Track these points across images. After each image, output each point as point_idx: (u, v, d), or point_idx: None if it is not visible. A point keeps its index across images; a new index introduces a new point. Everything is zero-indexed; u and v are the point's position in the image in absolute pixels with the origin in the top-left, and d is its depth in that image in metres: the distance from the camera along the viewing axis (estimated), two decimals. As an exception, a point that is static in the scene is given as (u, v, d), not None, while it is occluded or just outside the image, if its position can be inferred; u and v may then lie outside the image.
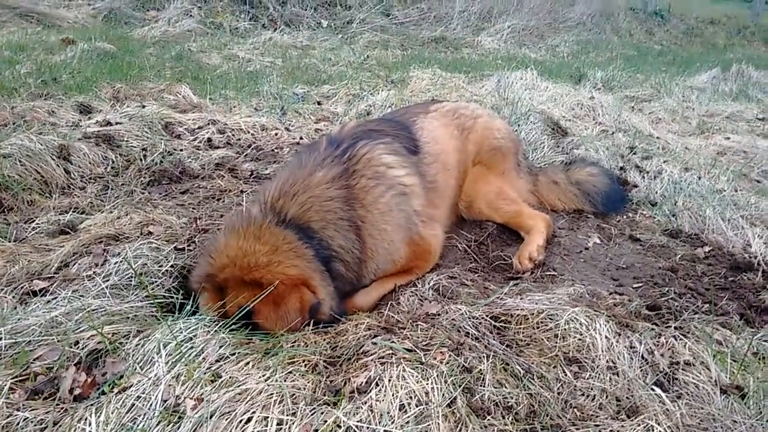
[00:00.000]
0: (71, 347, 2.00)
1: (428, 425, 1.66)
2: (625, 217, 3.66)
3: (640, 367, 2.11)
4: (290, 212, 2.36)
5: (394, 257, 2.72)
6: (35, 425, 1.69)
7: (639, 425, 1.83)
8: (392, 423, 1.65)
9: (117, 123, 4.23)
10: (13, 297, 2.32)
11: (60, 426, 1.69)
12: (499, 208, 3.31)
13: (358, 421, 1.64)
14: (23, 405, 1.76)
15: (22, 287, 2.37)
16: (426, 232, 2.87)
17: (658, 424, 1.82)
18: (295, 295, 2.19)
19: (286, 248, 2.26)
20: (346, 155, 2.65)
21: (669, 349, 2.22)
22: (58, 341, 2.02)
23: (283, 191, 2.43)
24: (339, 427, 1.64)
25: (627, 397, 1.97)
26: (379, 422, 1.64)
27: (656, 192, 3.93)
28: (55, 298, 2.27)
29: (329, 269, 2.38)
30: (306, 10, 11.16)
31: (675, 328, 2.34)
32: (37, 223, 2.98)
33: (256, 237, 2.26)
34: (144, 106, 4.64)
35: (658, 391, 1.99)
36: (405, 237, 2.75)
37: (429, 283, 2.66)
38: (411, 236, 2.78)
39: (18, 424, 1.69)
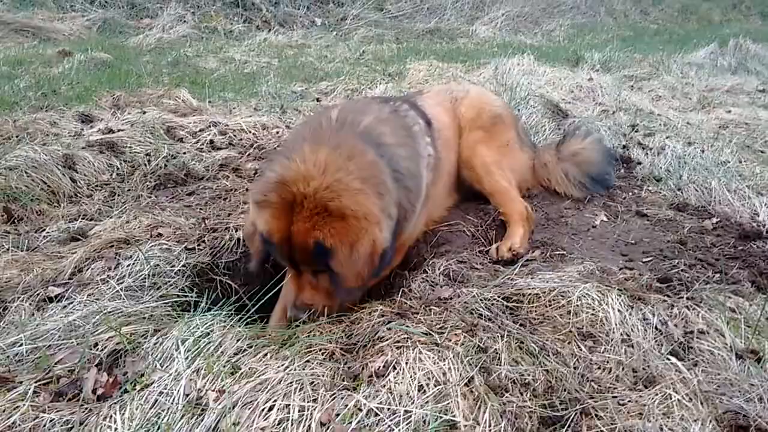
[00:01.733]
0: (91, 349, 2.03)
1: (448, 404, 1.68)
2: (630, 193, 3.66)
3: (655, 338, 2.12)
4: (363, 122, 2.29)
5: (418, 223, 2.69)
6: (62, 426, 1.71)
7: (657, 394, 1.85)
8: (412, 403, 1.67)
9: (119, 130, 4.25)
10: (30, 304, 2.34)
11: (86, 425, 1.71)
12: (492, 174, 3.26)
13: (378, 403, 1.66)
14: (48, 407, 1.78)
15: (38, 294, 2.39)
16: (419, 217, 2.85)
17: (676, 392, 1.83)
18: (369, 237, 2.07)
19: (375, 175, 2.13)
20: (389, 104, 2.72)
21: (682, 319, 2.23)
22: (77, 344, 2.05)
23: (349, 110, 2.37)
24: (360, 410, 1.66)
25: (643, 368, 1.99)
26: (399, 403, 1.66)
27: (661, 167, 3.94)
28: (72, 302, 2.30)
29: (398, 188, 2.28)
30: (299, 9, 11.17)
31: (687, 298, 2.35)
32: (48, 232, 3.01)
33: (344, 152, 2.09)
34: (144, 112, 4.66)
35: (673, 360, 2.00)
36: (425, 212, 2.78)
37: (439, 269, 2.67)
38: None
39: (45, 425, 1.71)
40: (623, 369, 1.99)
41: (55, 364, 1.98)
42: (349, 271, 2.08)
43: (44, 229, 3.04)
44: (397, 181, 2.29)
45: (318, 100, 5.83)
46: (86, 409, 1.78)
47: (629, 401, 1.84)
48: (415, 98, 3.39)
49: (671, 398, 1.82)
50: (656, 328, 2.17)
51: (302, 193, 2.01)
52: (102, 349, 2.04)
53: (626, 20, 14.79)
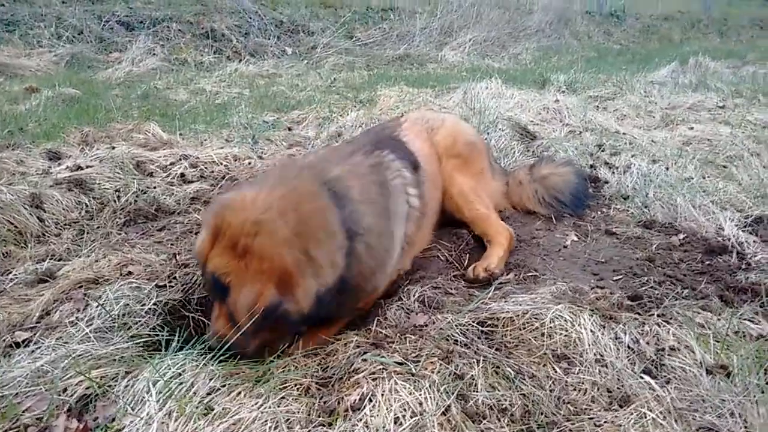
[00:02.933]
0: (60, 395, 1.98)
1: (425, 434, 1.67)
2: (599, 212, 3.73)
3: (628, 357, 2.15)
4: (333, 172, 2.24)
5: (391, 276, 2.63)
6: (29, 478, 1.66)
7: (632, 414, 1.87)
8: (389, 436, 1.65)
9: (88, 167, 4.20)
10: (-4, 350, 2.28)
11: (54, 475, 1.66)
12: (471, 202, 3.30)
13: (355, 439, 1.65)
14: (15, 458, 1.73)
15: (4, 340, 2.32)
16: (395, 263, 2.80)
17: (650, 411, 1.85)
18: (258, 289, 1.97)
19: (313, 232, 2.06)
20: (374, 155, 2.60)
21: (654, 336, 2.27)
22: (46, 390, 1.99)
23: (326, 158, 2.34)
24: (336, 446, 1.64)
25: (618, 388, 2.01)
26: (376, 437, 1.65)
27: (627, 186, 4.02)
28: (39, 347, 2.23)
29: (351, 249, 2.21)
30: (269, 39, 11.25)
31: (657, 315, 2.39)
32: (15, 274, 2.93)
33: (294, 197, 2.06)
34: (114, 148, 4.62)
35: (647, 378, 2.03)
36: (396, 263, 2.70)
37: (414, 295, 2.67)
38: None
39: (11, 478, 1.66)
40: (598, 389, 2.01)
41: (23, 412, 1.91)
42: (237, 314, 1.98)
43: (11, 272, 2.97)
44: (352, 239, 2.20)
45: (290, 129, 5.85)
46: (55, 458, 1.73)
47: (605, 422, 1.85)
48: (398, 133, 3.33)
49: (646, 417, 1.84)
50: (628, 346, 2.20)
51: (229, 221, 2.02)
52: (71, 395, 1.98)
53: (590, 42, 15.20)
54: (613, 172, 4.30)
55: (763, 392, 1.89)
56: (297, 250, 2.01)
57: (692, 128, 5.84)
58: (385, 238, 2.43)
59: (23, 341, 2.32)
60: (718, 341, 2.19)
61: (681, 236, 3.31)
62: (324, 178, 2.22)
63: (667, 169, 4.22)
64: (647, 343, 2.23)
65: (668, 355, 2.14)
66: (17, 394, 2.00)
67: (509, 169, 4.26)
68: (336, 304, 2.25)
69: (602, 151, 4.85)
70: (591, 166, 4.49)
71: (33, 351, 2.22)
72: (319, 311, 2.13)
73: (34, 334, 2.36)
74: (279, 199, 2.05)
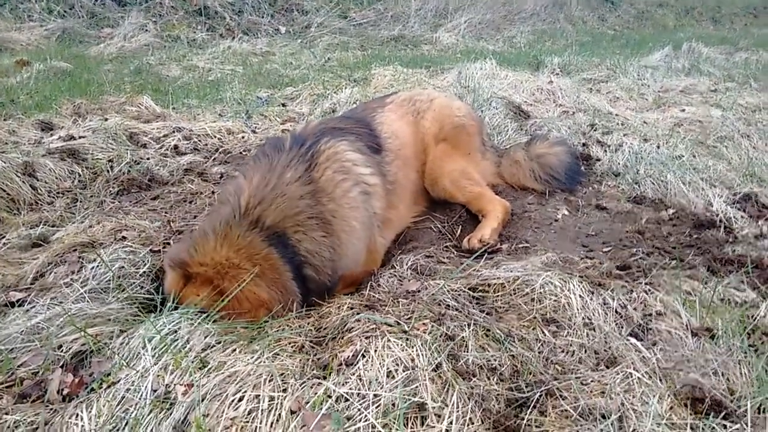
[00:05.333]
0: (55, 351, 2.00)
1: (416, 387, 1.71)
2: (590, 188, 3.77)
3: (615, 321, 2.20)
4: (268, 220, 2.32)
5: (357, 258, 2.67)
6: (26, 427, 1.69)
7: (618, 374, 1.91)
8: (381, 388, 1.69)
9: (81, 137, 4.19)
10: (-9, 310, 2.29)
11: (52, 425, 1.69)
12: (463, 187, 3.34)
13: (348, 390, 1.68)
14: (12, 409, 1.76)
15: (-1, 299, 2.34)
16: (378, 238, 2.87)
17: (636, 371, 1.90)
18: (253, 312, 2.18)
19: (268, 272, 2.23)
20: (310, 152, 2.61)
21: (641, 302, 2.31)
22: (41, 346, 2.01)
23: (259, 196, 2.38)
24: (329, 396, 1.68)
25: (605, 350, 2.05)
26: (369, 388, 1.69)
27: (618, 163, 4.05)
28: (34, 306, 2.25)
29: (300, 276, 2.34)
30: (263, 17, 11.14)
31: (645, 283, 2.44)
32: (8, 239, 2.94)
33: (241, 250, 2.22)
34: (106, 119, 4.60)
35: (633, 341, 2.08)
36: (365, 240, 2.72)
37: (407, 264, 2.71)
38: (369, 239, 2.76)
39: (8, 427, 1.68)
40: (586, 351, 2.06)
41: (18, 366, 1.94)
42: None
43: (4, 236, 2.98)
44: (302, 265, 2.35)
45: (284, 105, 5.83)
46: (51, 409, 1.76)
47: (592, 381, 1.89)
48: (374, 114, 3.34)
49: (632, 377, 1.88)
50: (616, 311, 2.25)
51: (195, 274, 2.20)
52: (66, 351, 2.01)
53: (584, 26, 15.17)
54: (605, 151, 4.33)
55: (745, 353, 1.94)
56: (267, 286, 2.23)
57: (684, 110, 5.87)
58: (330, 244, 2.47)
59: (18, 301, 2.34)
60: (704, 307, 2.24)
61: (670, 211, 3.35)
62: (262, 226, 2.31)
63: (658, 147, 4.25)
64: (634, 308, 2.27)
65: (655, 319, 2.19)
66: (12, 349, 2.02)
67: (503, 146, 4.28)
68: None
69: (594, 130, 4.88)
70: (583, 144, 4.52)
71: (28, 310, 2.24)
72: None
73: (29, 295, 2.38)
74: (235, 252, 2.23)
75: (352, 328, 2.05)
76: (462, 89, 6.02)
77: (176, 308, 2.17)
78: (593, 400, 1.80)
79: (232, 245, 2.23)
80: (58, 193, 3.59)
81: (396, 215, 3.11)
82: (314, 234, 2.41)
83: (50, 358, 1.96)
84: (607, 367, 1.97)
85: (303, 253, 2.36)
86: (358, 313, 2.17)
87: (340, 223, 2.53)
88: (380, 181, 2.90)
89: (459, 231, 3.24)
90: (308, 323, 2.20)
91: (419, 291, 2.39)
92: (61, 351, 2.01)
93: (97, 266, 2.48)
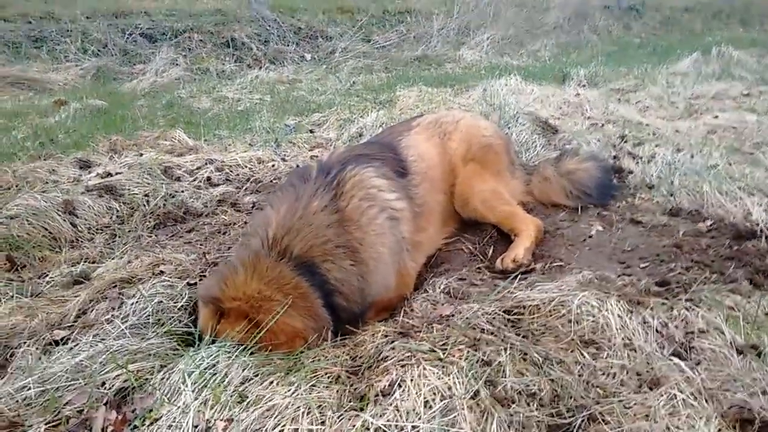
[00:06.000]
0: (99, 388, 2.04)
1: (455, 417, 1.69)
2: (624, 202, 3.70)
3: (656, 341, 2.15)
4: (296, 250, 2.35)
5: (387, 283, 2.66)
6: (72, 465, 1.72)
7: (662, 395, 1.86)
8: (419, 419, 1.68)
9: (117, 173, 4.32)
10: (37, 348, 2.36)
11: (97, 463, 1.72)
12: (494, 207, 3.31)
13: (386, 421, 1.68)
14: (58, 448, 1.80)
15: (44, 338, 2.41)
16: (408, 262, 2.87)
17: (681, 392, 1.85)
18: (289, 344, 2.21)
19: (299, 301, 2.25)
20: (335, 181, 2.63)
21: (682, 320, 2.25)
22: (85, 384, 2.06)
23: (286, 227, 2.41)
24: (368, 429, 1.67)
25: (647, 371, 2.00)
26: (407, 419, 1.68)
27: (652, 175, 3.98)
28: (77, 344, 2.31)
29: (331, 304, 2.36)
30: (288, 45, 11.38)
31: (686, 300, 2.38)
32: (51, 277, 3.04)
33: (272, 282, 2.26)
34: (141, 154, 4.74)
35: (676, 360, 2.02)
36: (395, 264, 2.73)
37: (439, 287, 2.71)
38: (399, 264, 2.77)
39: (55, 465, 1.72)
40: (627, 373, 2.01)
41: (64, 405, 1.99)
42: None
43: (47, 275, 3.07)
44: (331, 294, 2.38)
45: (311, 131, 5.92)
46: (97, 447, 1.79)
47: (635, 404, 1.85)
48: (401, 137, 3.36)
49: (676, 398, 1.83)
50: (657, 330, 2.19)
51: (228, 309, 2.23)
52: (110, 388, 2.05)
53: (609, 36, 15.06)
54: (637, 162, 4.27)
55: (796, 371, 1.87)
56: (301, 316, 2.26)
57: (717, 117, 5.76)
58: (358, 272, 2.48)
59: (62, 339, 2.41)
60: (748, 322, 2.17)
61: (708, 223, 3.27)
62: (290, 256, 2.34)
63: (692, 157, 4.17)
64: (676, 326, 2.22)
65: (697, 337, 2.13)
66: (58, 388, 2.07)
67: (532, 163, 4.26)
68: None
69: (625, 142, 4.82)
70: (614, 157, 4.46)
71: (71, 348, 2.30)
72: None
73: (72, 332, 2.43)
74: (265, 285, 2.26)
75: (387, 356, 2.04)
76: (487, 106, 6.02)
77: (213, 342, 2.20)
78: (637, 424, 1.76)
79: (262, 277, 2.26)
80: (97, 229, 3.69)
81: (426, 237, 3.10)
82: (342, 263, 2.43)
83: (94, 395, 2.01)
84: (651, 389, 1.92)
85: (332, 282, 2.38)
86: (392, 341, 2.17)
87: (368, 251, 2.54)
88: (407, 205, 2.90)
89: (491, 251, 3.22)
90: (343, 352, 2.21)
91: (453, 315, 2.38)
92: (105, 388, 2.05)
93: (137, 302, 2.54)
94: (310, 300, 2.29)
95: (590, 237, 3.25)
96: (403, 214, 2.83)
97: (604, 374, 2.02)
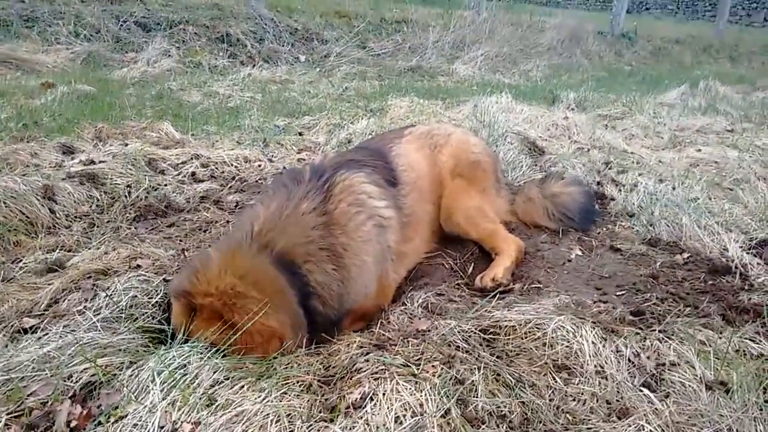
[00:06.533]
0: (65, 381, 2.01)
1: (424, 435, 1.69)
2: (604, 228, 3.75)
3: (628, 370, 2.17)
4: (278, 246, 2.32)
5: (367, 292, 2.65)
6: (32, 459, 1.69)
7: (630, 426, 1.88)
8: (389, 434, 1.67)
9: (100, 162, 4.25)
10: (4, 335, 2.31)
11: (57, 458, 1.69)
12: (477, 224, 3.33)
13: (355, 435, 1.67)
14: (19, 440, 1.76)
15: (12, 325, 2.36)
16: (391, 273, 2.87)
17: (648, 424, 1.87)
18: (265, 346, 2.17)
19: (276, 298, 2.21)
20: (326, 184, 2.63)
21: (654, 351, 2.28)
22: (51, 376, 2.02)
23: (273, 222, 2.40)
24: (336, 441, 1.66)
25: (617, 400, 2.03)
26: (376, 434, 1.67)
27: (633, 203, 4.04)
28: (46, 334, 2.27)
29: (307, 307, 2.33)
30: (283, 46, 11.34)
31: (659, 331, 2.41)
32: (25, 263, 2.98)
33: (247, 276, 2.20)
34: (127, 144, 4.68)
35: (646, 391, 2.05)
36: (377, 272, 2.72)
37: (417, 301, 2.71)
38: (381, 273, 2.76)
39: (14, 458, 1.68)
40: (597, 401, 2.03)
41: (28, 396, 1.95)
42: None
43: (21, 260, 3.01)
44: (309, 297, 2.35)
45: (300, 134, 5.90)
46: (58, 442, 1.76)
47: (603, 432, 1.86)
48: (392, 145, 3.36)
49: (644, 429, 1.85)
50: (629, 360, 2.22)
51: (201, 305, 2.17)
52: (76, 381, 2.01)
53: (601, 62, 15.26)
54: (620, 190, 4.32)
55: (761, 410, 1.90)
56: (276, 313, 2.20)
57: (700, 150, 5.86)
58: (339, 277, 2.47)
59: (31, 327, 2.36)
60: (718, 358, 2.20)
61: (685, 255, 3.32)
62: (272, 251, 2.32)
63: (674, 188, 4.23)
64: (648, 357, 2.24)
65: (668, 369, 2.16)
66: (23, 378, 2.03)
67: (517, 183, 4.29)
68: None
69: (609, 168, 4.88)
70: (598, 183, 4.51)
71: (40, 337, 2.26)
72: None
73: (42, 321, 2.39)
74: (240, 278, 2.20)
75: (361, 368, 2.04)
76: (477, 123, 6.05)
77: (186, 341, 2.18)
78: (604, 453, 1.77)
79: (237, 270, 2.21)
80: (75, 217, 3.63)
81: (411, 248, 3.10)
82: (325, 266, 2.42)
83: (60, 388, 1.97)
84: (619, 419, 1.94)
85: (312, 284, 2.36)
86: (367, 353, 2.16)
87: (352, 258, 2.53)
88: (395, 214, 2.90)
89: (471, 268, 3.24)
90: (317, 361, 2.19)
91: (429, 330, 2.38)
92: (71, 381, 2.02)
93: (111, 294, 2.50)
94: (288, 299, 2.26)
95: (569, 261, 3.29)
96: (390, 222, 2.83)
97: (574, 400, 2.03)
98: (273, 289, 2.23)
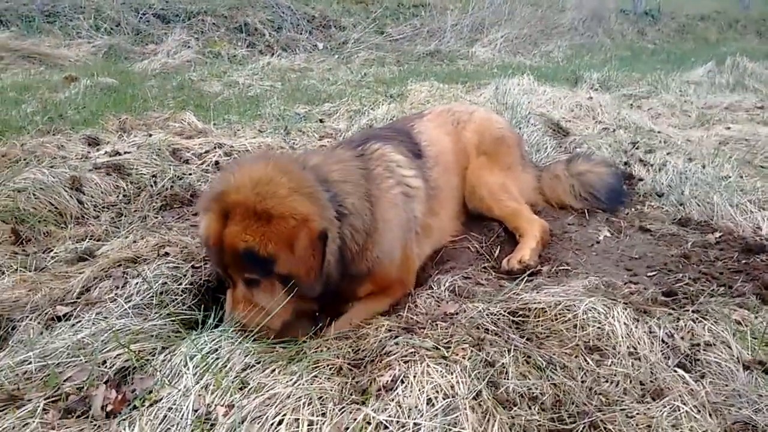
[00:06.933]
0: (99, 366, 2.04)
1: (456, 416, 1.68)
2: (633, 209, 3.68)
3: (662, 351, 2.13)
4: (312, 161, 2.41)
5: (392, 255, 2.63)
6: (71, 442, 1.72)
7: (665, 407, 1.85)
8: (421, 416, 1.67)
9: (125, 152, 4.30)
10: (39, 323, 2.35)
11: (95, 441, 1.71)
12: (501, 200, 3.30)
13: (387, 417, 1.67)
14: (57, 424, 1.79)
15: (46, 313, 2.40)
16: (415, 247, 2.85)
17: (684, 404, 1.83)
18: (304, 230, 2.11)
19: (307, 190, 2.20)
20: (361, 150, 2.76)
21: (688, 331, 2.24)
22: (86, 361, 2.05)
23: (314, 156, 2.52)
24: (369, 423, 1.66)
25: (651, 381, 1.99)
26: (408, 416, 1.67)
27: (662, 183, 3.96)
28: (80, 321, 2.30)
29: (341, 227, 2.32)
30: (301, 34, 11.33)
31: (693, 311, 2.36)
32: (56, 252, 3.03)
33: (280, 169, 2.22)
34: (150, 135, 4.72)
35: (681, 372, 2.01)
36: (401, 240, 2.71)
37: (444, 285, 2.69)
38: (406, 243, 2.75)
39: (54, 442, 1.72)
40: (631, 382, 1.99)
41: (64, 381, 1.98)
42: (297, 269, 2.12)
43: (52, 250, 3.07)
44: (341, 217, 2.32)
45: (321, 121, 5.90)
46: (95, 425, 1.79)
47: (637, 414, 1.83)
48: (413, 123, 3.42)
49: (679, 410, 1.82)
50: (663, 340, 2.17)
51: (233, 201, 2.11)
52: (110, 367, 2.04)
53: (624, 40, 14.97)
54: (648, 170, 4.24)
55: (801, 389, 1.85)
56: (303, 199, 2.17)
57: (729, 128, 5.72)
58: (369, 220, 2.47)
59: (64, 315, 2.40)
60: (755, 338, 2.15)
61: (717, 234, 3.25)
62: (305, 165, 2.36)
63: (704, 167, 4.14)
64: (682, 337, 2.20)
65: (703, 350, 2.12)
66: (59, 364, 2.07)
67: (543, 164, 4.23)
68: (343, 277, 2.38)
69: (636, 148, 4.79)
70: (625, 164, 4.43)
71: (74, 325, 2.29)
72: (330, 280, 2.28)
73: (75, 309, 2.43)
74: (265, 174, 2.19)
75: (391, 351, 2.03)
76: (499, 105, 5.99)
77: (217, 326, 2.19)
78: (639, 434, 1.74)
79: (274, 166, 2.23)
80: (103, 207, 3.68)
81: (437, 223, 3.09)
82: (359, 194, 2.45)
83: (95, 373, 2.00)
84: (654, 400, 1.91)
85: (348, 205, 2.36)
86: (396, 336, 2.15)
87: (381, 212, 2.57)
88: (422, 184, 2.95)
89: (497, 251, 3.20)
90: (346, 345, 2.19)
91: (457, 314, 2.37)
92: (105, 366, 2.05)
93: (141, 282, 2.53)
94: (320, 197, 2.25)
95: (598, 242, 3.24)
96: (417, 192, 2.87)
97: (607, 382, 2.00)
98: (306, 185, 2.24)
